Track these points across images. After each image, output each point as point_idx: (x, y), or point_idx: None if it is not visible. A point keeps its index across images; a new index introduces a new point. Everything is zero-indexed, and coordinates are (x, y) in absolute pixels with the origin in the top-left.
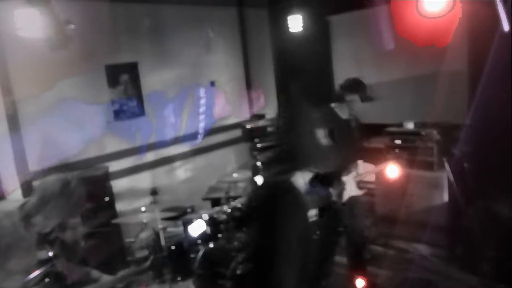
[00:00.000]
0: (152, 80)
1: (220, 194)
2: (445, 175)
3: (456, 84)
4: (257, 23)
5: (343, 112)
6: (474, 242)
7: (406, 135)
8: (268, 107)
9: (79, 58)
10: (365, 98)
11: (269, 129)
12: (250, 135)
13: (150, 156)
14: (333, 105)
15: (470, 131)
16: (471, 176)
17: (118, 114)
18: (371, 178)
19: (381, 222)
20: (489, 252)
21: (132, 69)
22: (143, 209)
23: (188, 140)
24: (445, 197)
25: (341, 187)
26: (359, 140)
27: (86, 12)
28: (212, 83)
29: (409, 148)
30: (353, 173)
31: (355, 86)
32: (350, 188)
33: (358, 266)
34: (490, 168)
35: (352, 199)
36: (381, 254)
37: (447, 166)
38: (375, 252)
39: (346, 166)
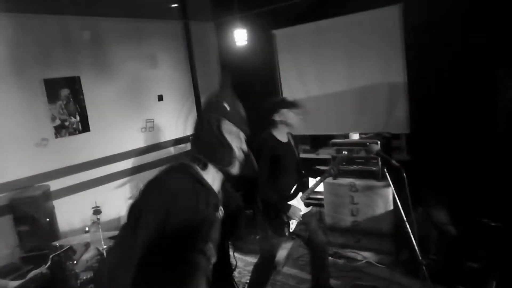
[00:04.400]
0: (96, 95)
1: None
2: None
3: (396, 95)
4: (204, 36)
5: (282, 135)
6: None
7: (351, 146)
8: None
9: (12, 73)
10: (292, 105)
11: None
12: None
13: (94, 173)
14: (271, 130)
15: (410, 141)
16: (411, 184)
17: (60, 130)
18: (319, 189)
19: (329, 232)
20: (428, 256)
21: (73, 84)
22: (86, 229)
23: (135, 155)
24: (389, 205)
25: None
26: (299, 160)
27: (20, 25)
28: (160, 97)
29: (355, 159)
30: (299, 194)
31: (277, 103)
32: (300, 211)
33: (325, 279)
34: (428, 176)
35: (305, 217)
36: (331, 263)
37: (387, 175)
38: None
39: (290, 192)
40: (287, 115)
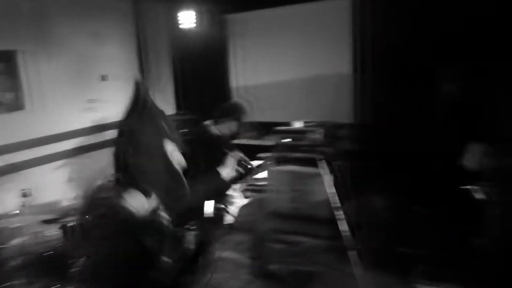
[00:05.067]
0: (34, 71)
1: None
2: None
3: (343, 86)
4: (154, 16)
5: (218, 131)
6: (352, 234)
7: (294, 134)
8: (166, 104)
9: None
10: (241, 123)
11: None
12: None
13: (30, 154)
14: (210, 122)
15: (354, 131)
16: (350, 172)
17: None
18: (262, 175)
19: (271, 218)
20: (365, 242)
21: (9, 58)
22: (16, 212)
23: (73, 137)
24: (328, 193)
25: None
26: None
27: None
28: (103, 77)
29: (297, 146)
30: (238, 185)
31: (233, 111)
32: (238, 201)
33: (265, 264)
34: (368, 164)
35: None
36: (271, 249)
37: (325, 163)
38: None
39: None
40: (231, 123)
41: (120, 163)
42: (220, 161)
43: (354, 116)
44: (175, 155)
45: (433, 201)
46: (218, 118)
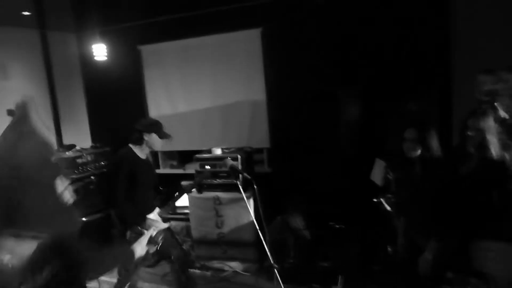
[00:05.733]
0: None
1: None
2: (249, 195)
3: (258, 112)
4: (65, 48)
5: (142, 153)
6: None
7: (213, 161)
8: (79, 137)
9: None
10: (163, 135)
11: (79, 160)
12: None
13: None
14: (131, 146)
15: (270, 154)
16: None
17: None
18: (185, 203)
19: (197, 245)
20: (287, 260)
21: None
22: None
23: None
24: (251, 216)
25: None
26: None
27: None
28: (10, 112)
29: (217, 173)
30: (156, 210)
31: (152, 126)
32: (158, 224)
33: None
34: (286, 186)
35: (163, 232)
36: (199, 276)
37: (240, 187)
38: (193, 275)
39: (148, 207)
40: (154, 139)
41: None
42: (147, 186)
43: (270, 141)
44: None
45: (348, 216)
46: (138, 136)
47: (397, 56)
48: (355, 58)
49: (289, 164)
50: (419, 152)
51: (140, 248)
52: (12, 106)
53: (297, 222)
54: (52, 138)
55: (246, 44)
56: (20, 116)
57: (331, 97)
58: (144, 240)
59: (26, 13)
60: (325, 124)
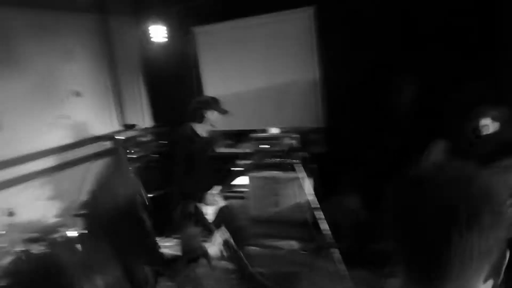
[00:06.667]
0: (5, 91)
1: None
2: (306, 175)
3: (312, 91)
4: (124, 31)
5: (202, 130)
6: (332, 233)
7: (269, 140)
8: (140, 116)
9: None
10: (222, 111)
11: (141, 139)
12: (120, 146)
13: (6, 174)
14: (191, 123)
15: (325, 134)
16: (327, 174)
17: None
18: (243, 181)
19: (254, 224)
20: (342, 240)
21: None
22: (2, 232)
23: (50, 154)
24: (307, 195)
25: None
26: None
27: None
28: (77, 93)
29: (273, 152)
30: (216, 188)
31: (210, 102)
32: (216, 202)
33: (247, 267)
34: (342, 166)
35: (222, 210)
36: (256, 253)
37: (300, 166)
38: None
39: (208, 184)
40: (212, 116)
41: None
42: (206, 164)
43: (323, 121)
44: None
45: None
46: (196, 113)
47: (462, 36)
48: (416, 38)
49: (346, 144)
50: (491, 130)
51: (213, 248)
52: (78, 87)
53: (354, 202)
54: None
55: (299, 23)
56: (118, 160)
57: (388, 76)
58: (217, 241)
59: None
60: (382, 104)
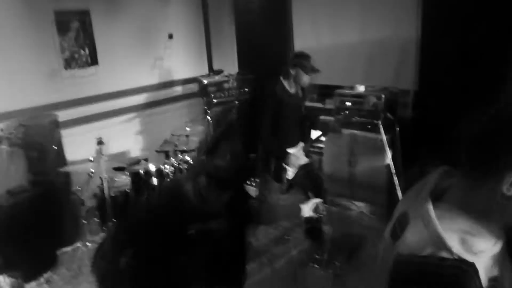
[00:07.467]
0: (105, 29)
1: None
2: (389, 138)
3: (408, 50)
4: None
5: (291, 86)
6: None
7: (355, 98)
8: (227, 62)
9: (23, 3)
10: (311, 70)
11: (226, 85)
12: (206, 90)
13: (101, 107)
14: (282, 79)
15: (417, 98)
16: (412, 140)
17: (69, 63)
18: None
19: (327, 180)
20: None
21: (83, 17)
22: (91, 158)
23: (142, 92)
24: (386, 159)
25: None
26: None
27: None
28: (170, 35)
29: (358, 110)
30: (300, 144)
31: (299, 59)
32: (299, 160)
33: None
34: (430, 134)
35: (304, 167)
36: (326, 210)
37: (381, 128)
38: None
39: (292, 141)
40: (300, 73)
41: None
42: (293, 121)
43: (417, 83)
44: None
45: None
46: (288, 69)
47: None
48: None
49: (437, 110)
50: None
51: (306, 209)
52: (172, 30)
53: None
54: None
55: None
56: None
57: (494, 42)
58: (311, 204)
59: None
60: (483, 72)
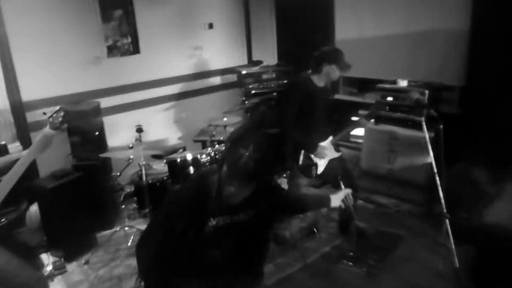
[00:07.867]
0: (147, 18)
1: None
2: (431, 135)
3: (456, 43)
4: None
5: (320, 81)
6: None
7: (396, 93)
8: (267, 53)
9: None
10: (344, 67)
11: (264, 76)
12: (244, 81)
13: (142, 95)
14: (310, 73)
15: (463, 94)
16: (456, 139)
17: (112, 51)
18: (359, 132)
19: (364, 176)
20: (459, 212)
21: (126, 5)
22: (130, 145)
23: (182, 81)
24: (427, 157)
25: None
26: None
27: None
28: (210, 25)
29: (398, 106)
30: (330, 138)
31: (333, 55)
32: (328, 153)
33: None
34: (476, 132)
35: (334, 161)
36: (361, 207)
37: (424, 125)
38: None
39: (320, 135)
40: (332, 69)
41: None
42: (320, 115)
43: (464, 79)
44: None
45: None
46: (317, 65)
47: None
48: None
49: (485, 108)
50: None
51: (336, 199)
52: (212, 20)
53: (480, 174)
54: None
55: None
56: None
57: None
58: (341, 194)
59: None
60: None
